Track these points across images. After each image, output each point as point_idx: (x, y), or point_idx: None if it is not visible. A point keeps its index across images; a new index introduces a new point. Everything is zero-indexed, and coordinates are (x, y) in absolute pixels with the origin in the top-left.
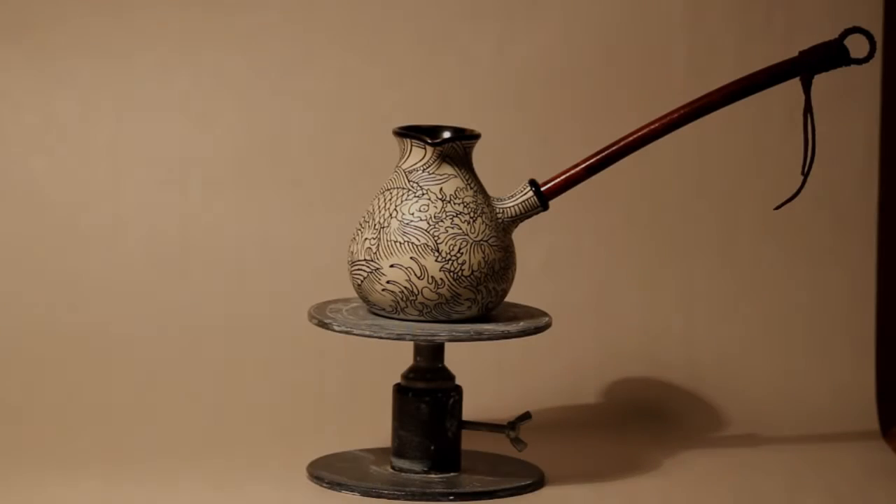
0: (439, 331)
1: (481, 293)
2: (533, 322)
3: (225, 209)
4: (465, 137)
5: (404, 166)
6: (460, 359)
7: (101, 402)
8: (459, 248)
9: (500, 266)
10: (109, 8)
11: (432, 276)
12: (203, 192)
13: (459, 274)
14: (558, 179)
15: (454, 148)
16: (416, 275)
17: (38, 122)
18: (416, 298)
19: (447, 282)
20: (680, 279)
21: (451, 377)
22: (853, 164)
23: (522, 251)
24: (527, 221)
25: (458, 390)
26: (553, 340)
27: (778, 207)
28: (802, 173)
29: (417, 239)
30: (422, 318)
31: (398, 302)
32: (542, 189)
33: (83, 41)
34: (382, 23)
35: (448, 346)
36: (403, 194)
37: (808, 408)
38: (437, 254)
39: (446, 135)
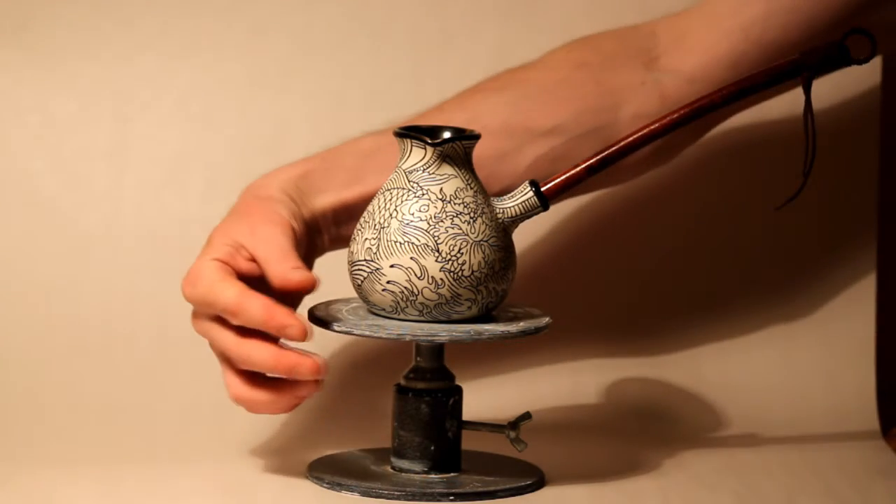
0: (439, 331)
1: (481, 293)
2: (533, 322)
3: (225, 209)
4: (465, 137)
5: (404, 166)
6: (460, 359)
7: (101, 402)
8: (460, 249)
9: (501, 266)
10: (109, 8)
11: (432, 277)
12: (203, 192)
13: (460, 274)
14: (558, 180)
15: (454, 148)
16: (416, 275)
17: (38, 122)
18: (417, 299)
19: (447, 282)
20: (680, 279)
21: (451, 377)
22: (853, 163)
23: (522, 251)
24: (527, 221)
25: (459, 390)
26: (553, 340)
27: (779, 208)
28: (803, 174)
29: (417, 239)
30: (422, 318)
31: (398, 302)
32: (542, 189)
33: (83, 41)
34: (382, 23)
35: (448, 346)
36: (403, 194)
37: (808, 408)
38: (437, 254)
39: (446, 135)
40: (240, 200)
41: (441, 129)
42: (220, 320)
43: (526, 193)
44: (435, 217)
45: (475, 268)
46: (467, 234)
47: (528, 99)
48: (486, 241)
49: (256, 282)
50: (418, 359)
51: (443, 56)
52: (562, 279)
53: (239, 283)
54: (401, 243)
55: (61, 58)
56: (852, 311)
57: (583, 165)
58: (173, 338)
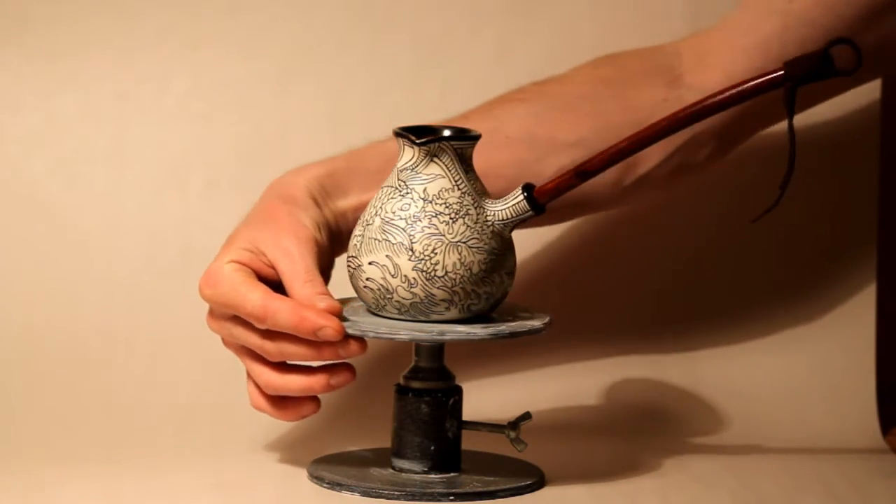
0: (401, 329)
1: (458, 295)
2: (512, 326)
3: (225, 209)
4: (455, 138)
5: (398, 165)
6: (460, 359)
7: (101, 402)
8: (434, 249)
9: (481, 269)
10: (110, 8)
11: (405, 275)
12: (203, 192)
13: (432, 274)
14: (550, 184)
15: (442, 148)
16: (390, 273)
17: (38, 122)
18: (393, 297)
19: (420, 281)
20: (680, 279)
21: (451, 377)
22: (853, 164)
23: (526, 254)
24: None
25: (459, 390)
26: (554, 341)
27: (755, 220)
28: (780, 186)
29: (394, 237)
30: (402, 317)
31: (378, 300)
32: (535, 193)
33: (83, 41)
34: (382, 23)
35: (448, 346)
36: (391, 192)
37: (808, 408)
38: (410, 252)
39: (446, 133)
40: (263, 199)
41: (440, 129)
42: (242, 320)
43: (517, 197)
44: (414, 216)
45: (449, 269)
46: (443, 235)
47: (552, 111)
48: (463, 243)
49: (273, 286)
50: (418, 359)
51: (443, 56)
52: (564, 282)
53: (262, 287)
54: (379, 241)
55: (61, 57)
56: (852, 312)
57: (574, 171)
58: (173, 338)
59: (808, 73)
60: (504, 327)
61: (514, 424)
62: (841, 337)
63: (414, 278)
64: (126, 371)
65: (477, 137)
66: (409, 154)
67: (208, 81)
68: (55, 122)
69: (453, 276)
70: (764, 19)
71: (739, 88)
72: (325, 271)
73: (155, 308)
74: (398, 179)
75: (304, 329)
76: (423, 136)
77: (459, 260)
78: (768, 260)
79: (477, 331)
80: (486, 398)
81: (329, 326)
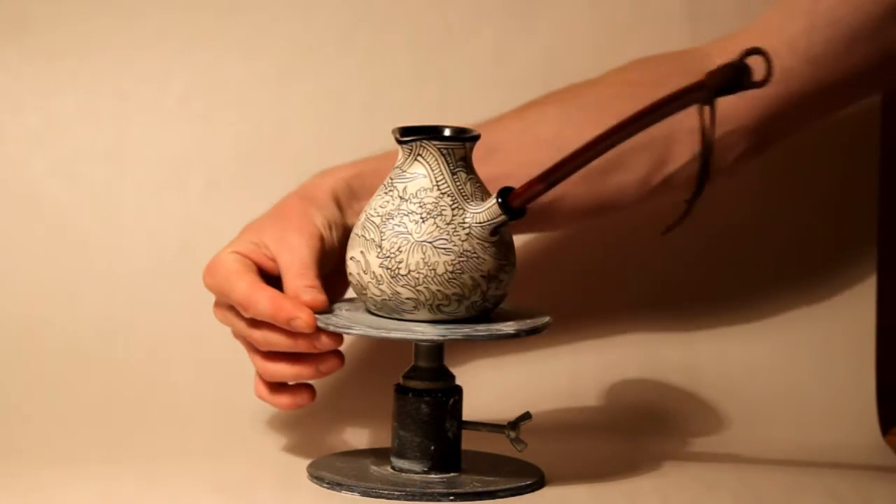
0: (354, 324)
1: (423, 294)
2: (478, 329)
3: (225, 209)
4: (436, 138)
5: (395, 164)
6: (460, 359)
7: (101, 402)
8: (399, 247)
9: (447, 269)
10: (109, 8)
11: (374, 272)
12: (203, 192)
13: (396, 272)
14: (519, 189)
15: (426, 148)
16: (362, 269)
17: (38, 122)
18: (367, 293)
19: (386, 279)
20: (680, 279)
21: (451, 377)
22: (852, 164)
23: (523, 251)
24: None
25: (459, 390)
26: (553, 340)
27: (665, 232)
28: (689, 200)
29: (369, 234)
30: (379, 314)
31: (358, 295)
32: (509, 197)
33: (83, 41)
34: (382, 23)
35: (448, 347)
36: (380, 190)
37: (808, 408)
38: (379, 249)
39: (428, 133)
40: (285, 197)
41: (439, 129)
42: (235, 308)
43: (491, 201)
44: (388, 214)
45: (412, 267)
46: (410, 234)
47: (581, 110)
48: (430, 243)
49: (276, 280)
50: (417, 359)
51: (443, 56)
52: (564, 281)
53: (251, 276)
54: (358, 237)
55: (61, 57)
56: (852, 311)
57: (540, 175)
58: (173, 337)
59: (725, 84)
60: (468, 329)
61: (514, 424)
62: (841, 337)
63: (381, 275)
64: (126, 371)
65: (465, 139)
66: (400, 153)
67: (208, 81)
68: (55, 122)
69: (416, 276)
70: (790, 20)
71: (661, 102)
72: (334, 270)
73: (155, 308)
74: (389, 178)
75: (279, 318)
76: (393, 133)
77: (423, 259)
78: (768, 260)
79: (427, 330)
80: (486, 398)
81: (300, 318)
